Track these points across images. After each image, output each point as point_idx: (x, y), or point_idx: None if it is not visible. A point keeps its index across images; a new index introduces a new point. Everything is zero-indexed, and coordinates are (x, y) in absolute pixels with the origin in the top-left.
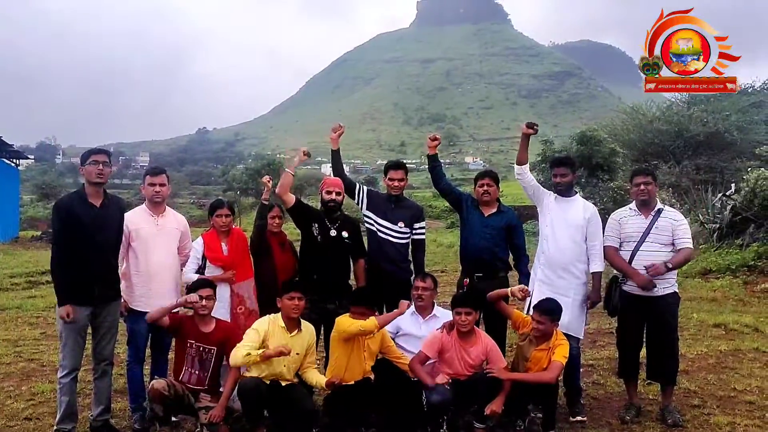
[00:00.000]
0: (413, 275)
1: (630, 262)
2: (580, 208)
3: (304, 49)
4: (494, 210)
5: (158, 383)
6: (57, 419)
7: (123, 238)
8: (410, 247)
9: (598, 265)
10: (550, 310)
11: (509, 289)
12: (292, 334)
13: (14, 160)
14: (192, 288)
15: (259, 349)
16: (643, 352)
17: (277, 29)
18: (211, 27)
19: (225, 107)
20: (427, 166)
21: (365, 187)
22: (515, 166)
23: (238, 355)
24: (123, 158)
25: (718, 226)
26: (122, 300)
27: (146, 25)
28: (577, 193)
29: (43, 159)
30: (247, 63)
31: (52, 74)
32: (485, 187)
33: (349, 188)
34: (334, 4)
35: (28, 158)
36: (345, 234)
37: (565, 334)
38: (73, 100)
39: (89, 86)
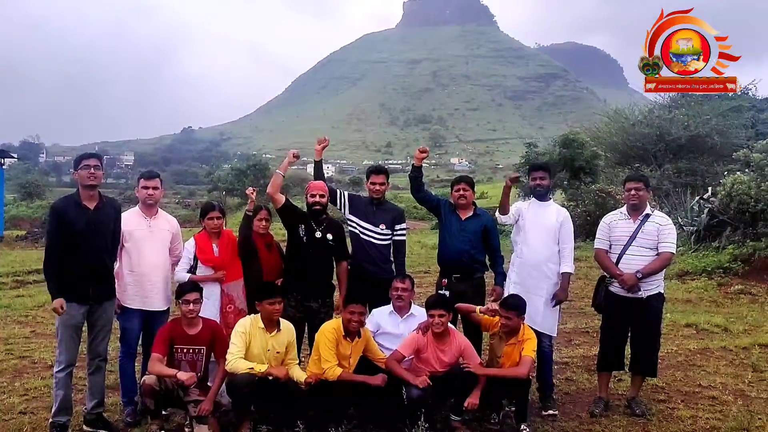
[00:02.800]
0: (395, 275)
1: (617, 264)
2: (553, 212)
3: (290, 49)
4: (471, 213)
5: (149, 378)
6: (52, 412)
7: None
8: (391, 248)
9: (567, 266)
10: (515, 305)
11: (477, 308)
12: (272, 334)
13: None
14: (179, 292)
15: (257, 362)
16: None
17: (262, 28)
18: (196, 24)
19: (210, 106)
20: (409, 173)
21: (346, 193)
22: (498, 215)
23: (241, 366)
24: (107, 157)
25: (695, 228)
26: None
27: (129, 22)
28: (551, 198)
29: (26, 158)
30: (233, 62)
31: (35, 72)
32: (461, 192)
33: (330, 195)
34: (320, 3)
35: (12, 157)
36: (329, 236)
37: (538, 332)
38: (56, 98)
39: (73, 84)
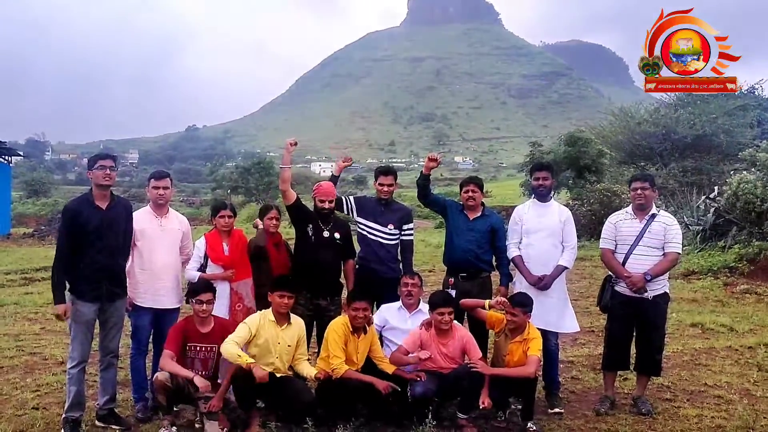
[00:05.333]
0: (402, 274)
1: (623, 264)
2: (555, 212)
3: (295, 47)
4: (479, 214)
5: (162, 375)
6: (65, 408)
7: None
8: (399, 247)
9: (565, 260)
10: (520, 302)
11: (486, 302)
12: (282, 327)
13: (6, 157)
14: (193, 290)
15: (249, 351)
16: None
17: (267, 26)
18: (200, 22)
19: (214, 105)
20: (417, 179)
21: (351, 198)
22: None
23: (231, 351)
24: (110, 154)
25: (701, 228)
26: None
27: (133, 19)
28: (552, 198)
29: (32, 155)
30: (237, 60)
31: (40, 70)
32: (470, 193)
33: (337, 203)
34: (325, 1)
35: (18, 155)
36: (337, 235)
37: (545, 331)
38: (61, 96)
39: (78, 82)
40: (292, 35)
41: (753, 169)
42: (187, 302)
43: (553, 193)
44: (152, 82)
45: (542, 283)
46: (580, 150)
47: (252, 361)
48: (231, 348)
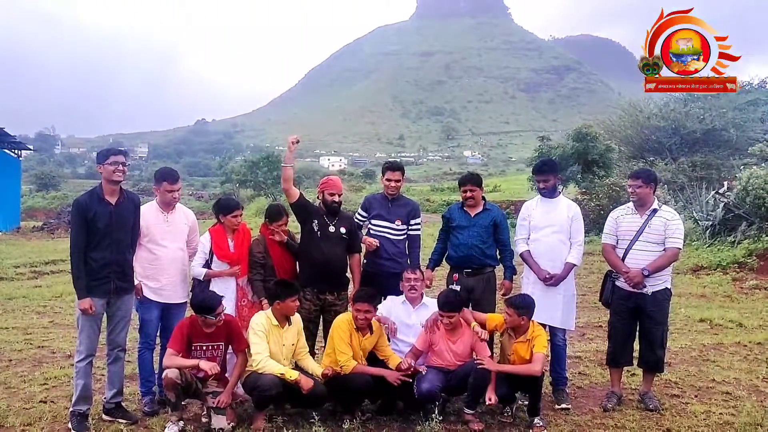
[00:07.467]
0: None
1: (623, 259)
2: (563, 207)
3: (303, 42)
4: (480, 209)
5: (171, 372)
6: (73, 401)
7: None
8: (407, 242)
9: (573, 257)
10: (513, 303)
11: (473, 325)
12: (284, 329)
13: (16, 151)
14: (207, 308)
15: (285, 365)
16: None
17: (276, 20)
18: (208, 16)
19: (224, 99)
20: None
21: (360, 210)
22: None
23: (274, 369)
24: (121, 149)
25: (710, 223)
26: (137, 286)
27: (141, 12)
28: (560, 193)
29: (42, 149)
30: (245, 54)
31: (51, 64)
32: (468, 193)
33: (354, 224)
34: None
35: (28, 148)
36: (342, 230)
37: (552, 327)
38: (72, 90)
39: (88, 76)
40: (302, 30)
41: (763, 164)
42: (197, 313)
43: (561, 188)
44: (162, 76)
45: (551, 282)
46: (588, 145)
47: (297, 375)
48: (273, 365)
